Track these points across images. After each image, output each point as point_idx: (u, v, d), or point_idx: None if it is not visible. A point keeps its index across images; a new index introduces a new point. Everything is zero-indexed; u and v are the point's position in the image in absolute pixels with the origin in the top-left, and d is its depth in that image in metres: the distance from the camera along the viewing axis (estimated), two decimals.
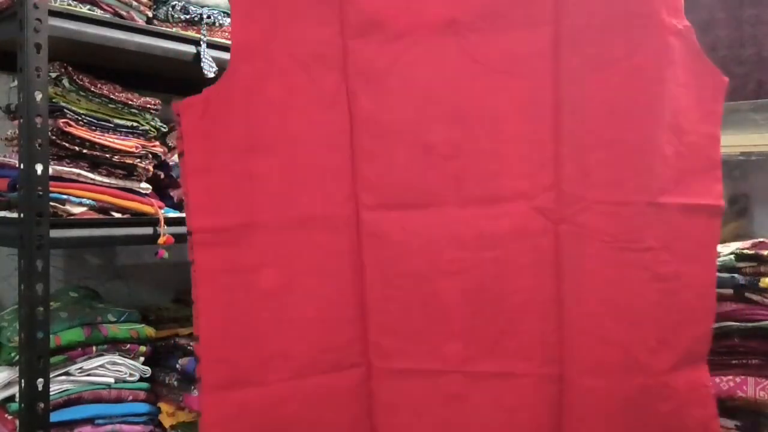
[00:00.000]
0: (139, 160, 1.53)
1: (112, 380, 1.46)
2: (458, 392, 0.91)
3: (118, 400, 1.47)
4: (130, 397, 1.49)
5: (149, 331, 1.54)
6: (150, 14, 1.57)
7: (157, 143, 1.60)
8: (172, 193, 1.67)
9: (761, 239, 1.39)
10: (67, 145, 1.41)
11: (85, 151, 1.44)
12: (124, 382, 1.49)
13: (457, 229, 0.89)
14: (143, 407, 1.50)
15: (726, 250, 1.37)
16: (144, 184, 1.57)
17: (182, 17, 1.60)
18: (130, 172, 1.53)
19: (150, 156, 1.57)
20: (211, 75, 1.56)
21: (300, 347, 0.91)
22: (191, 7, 1.60)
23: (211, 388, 0.91)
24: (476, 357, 0.91)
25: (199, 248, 0.91)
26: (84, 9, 1.42)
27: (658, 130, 0.87)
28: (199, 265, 0.91)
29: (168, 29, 1.57)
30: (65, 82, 1.44)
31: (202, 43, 1.57)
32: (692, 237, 0.90)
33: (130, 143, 1.51)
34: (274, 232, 0.91)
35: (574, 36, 0.87)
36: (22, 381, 1.28)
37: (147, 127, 1.56)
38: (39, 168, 1.28)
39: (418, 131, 0.89)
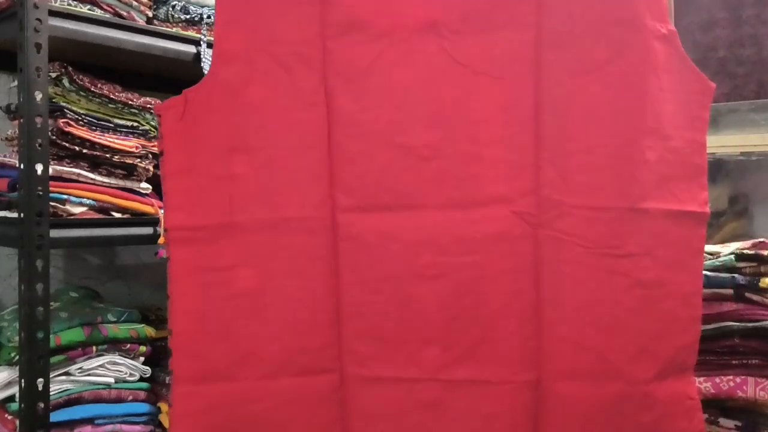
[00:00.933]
0: (139, 160, 1.53)
1: (112, 380, 1.46)
2: (434, 400, 0.89)
3: (118, 400, 1.47)
4: (130, 397, 1.49)
5: (149, 331, 1.54)
6: (150, 14, 1.57)
7: (157, 143, 1.59)
8: None
9: (761, 239, 1.39)
10: (67, 145, 1.41)
11: (85, 151, 1.44)
12: (124, 382, 1.49)
13: (435, 233, 0.87)
14: (143, 407, 1.50)
15: (726, 250, 1.37)
16: (144, 184, 1.57)
17: (182, 17, 1.59)
18: (130, 172, 1.53)
19: (150, 156, 1.57)
20: None
21: (272, 348, 0.89)
22: (191, 7, 1.60)
23: (183, 380, 0.91)
24: (453, 363, 0.89)
25: (175, 245, 0.91)
26: (84, 9, 1.42)
27: (639, 135, 0.86)
28: (174, 262, 0.91)
29: (168, 29, 1.57)
30: (65, 82, 1.44)
31: (202, 43, 1.57)
32: (676, 244, 0.89)
33: (130, 143, 1.51)
34: (250, 233, 0.89)
35: (556, 40, 0.86)
36: (22, 381, 1.28)
37: (147, 127, 1.56)
38: (39, 168, 1.28)
39: (397, 132, 0.88)
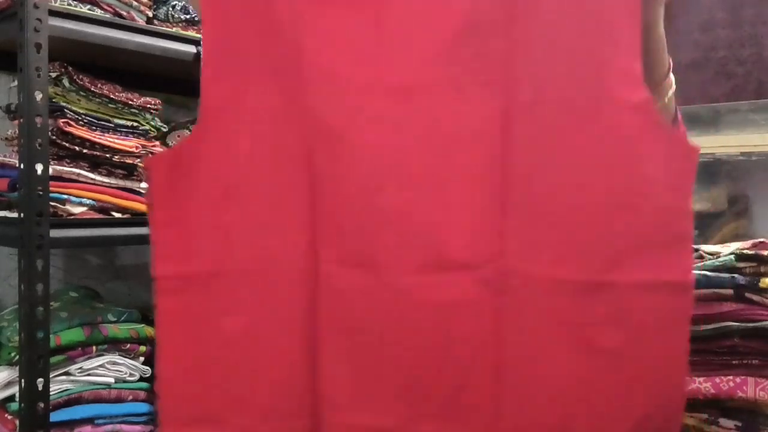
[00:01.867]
0: (139, 159, 1.53)
1: (112, 380, 1.46)
2: None
3: (118, 400, 1.47)
4: (130, 397, 1.49)
5: (149, 330, 1.54)
6: (150, 14, 1.57)
7: (157, 143, 1.60)
8: None
9: (761, 239, 1.39)
10: (67, 145, 1.41)
11: (85, 151, 1.44)
12: (124, 381, 1.49)
13: (404, 295, 0.89)
14: (143, 407, 1.50)
15: (726, 250, 1.37)
16: (144, 184, 1.57)
17: (182, 17, 1.59)
18: (130, 172, 1.53)
19: (150, 156, 1.57)
20: None
21: (261, 392, 0.91)
22: (191, 7, 1.60)
23: (173, 423, 0.92)
24: (422, 418, 0.91)
25: (164, 294, 0.92)
26: (84, 9, 1.42)
27: (607, 206, 0.86)
28: (163, 311, 0.92)
29: (168, 29, 1.57)
30: (65, 82, 1.44)
31: (202, 43, 1.57)
32: (649, 313, 0.87)
33: (130, 143, 1.51)
34: (237, 281, 0.90)
35: (526, 108, 0.86)
36: (22, 381, 1.28)
37: (147, 127, 1.56)
38: (39, 168, 1.28)
39: (371, 194, 0.89)
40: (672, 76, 0.98)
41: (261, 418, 0.92)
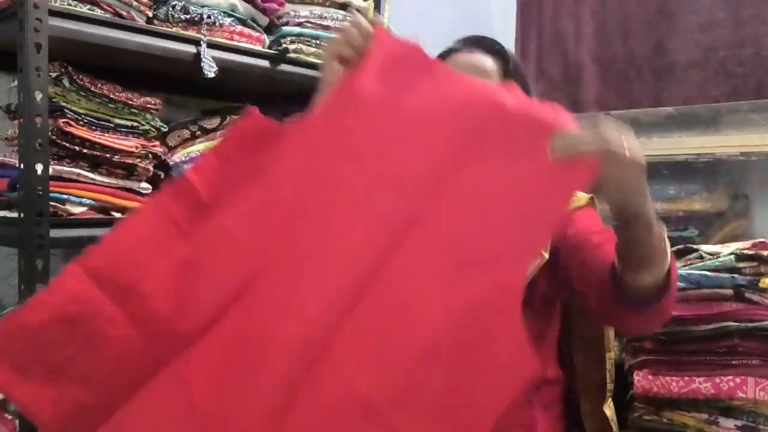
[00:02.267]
0: (139, 160, 1.53)
1: None
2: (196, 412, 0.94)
3: None
4: None
5: None
6: (150, 14, 1.57)
7: (157, 143, 1.60)
8: None
9: (761, 239, 1.39)
10: (67, 145, 1.41)
11: (85, 150, 1.44)
12: None
13: (274, 301, 0.95)
14: None
15: (726, 250, 1.38)
16: (144, 184, 1.57)
17: (182, 17, 1.59)
18: (130, 172, 1.53)
19: (150, 156, 1.57)
20: (211, 75, 1.56)
21: (163, 310, 0.96)
22: (191, 7, 1.60)
23: (84, 271, 0.96)
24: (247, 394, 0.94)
25: (171, 189, 0.99)
26: (84, 9, 1.42)
27: (421, 362, 0.88)
28: (160, 195, 1.00)
29: (168, 29, 1.57)
30: (65, 81, 1.44)
31: (202, 43, 1.57)
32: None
33: (130, 143, 1.51)
34: (220, 228, 0.98)
35: (419, 242, 0.91)
36: None
37: (147, 126, 1.56)
38: (39, 168, 1.29)
39: (301, 212, 0.97)
40: (667, 248, 0.97)
41: (151, 325, 0.96)
